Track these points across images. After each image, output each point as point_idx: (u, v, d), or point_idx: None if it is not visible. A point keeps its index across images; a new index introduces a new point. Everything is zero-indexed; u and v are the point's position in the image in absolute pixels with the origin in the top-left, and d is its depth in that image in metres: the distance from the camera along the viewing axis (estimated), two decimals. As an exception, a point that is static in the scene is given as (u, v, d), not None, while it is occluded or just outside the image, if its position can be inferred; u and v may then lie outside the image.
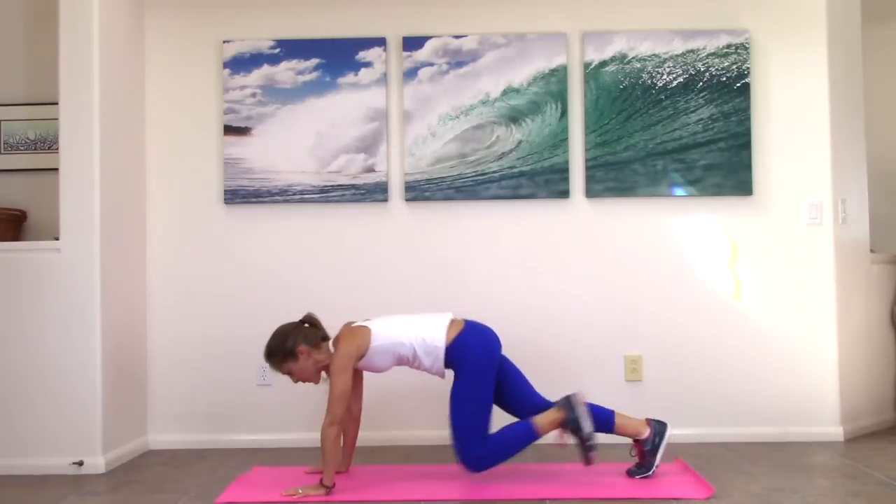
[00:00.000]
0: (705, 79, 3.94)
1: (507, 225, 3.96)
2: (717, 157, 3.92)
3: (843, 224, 3.97)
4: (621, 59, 3.96)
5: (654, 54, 3.95)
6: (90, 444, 3.43)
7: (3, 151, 4.05)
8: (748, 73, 3.93)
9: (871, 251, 4.20)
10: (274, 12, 4.03)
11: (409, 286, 3.94)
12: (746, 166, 3.92)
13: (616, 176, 3.94)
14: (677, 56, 3.95)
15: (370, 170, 3.97)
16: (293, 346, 3.09)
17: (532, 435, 3.08)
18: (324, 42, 3.99)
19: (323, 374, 3.18)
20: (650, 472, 3.12)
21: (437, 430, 3.81)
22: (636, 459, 3.18)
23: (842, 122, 4.00)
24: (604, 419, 3.16)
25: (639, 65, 3.95)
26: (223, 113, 3.99)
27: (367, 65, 3.98)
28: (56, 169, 3.52)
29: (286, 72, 3.99)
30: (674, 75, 3.95)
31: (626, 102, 3.95)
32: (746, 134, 3.92)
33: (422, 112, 3.97)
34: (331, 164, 3.97)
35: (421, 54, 3.97)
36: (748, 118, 3.93)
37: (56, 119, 3.57)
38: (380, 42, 3.98)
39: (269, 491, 3.03)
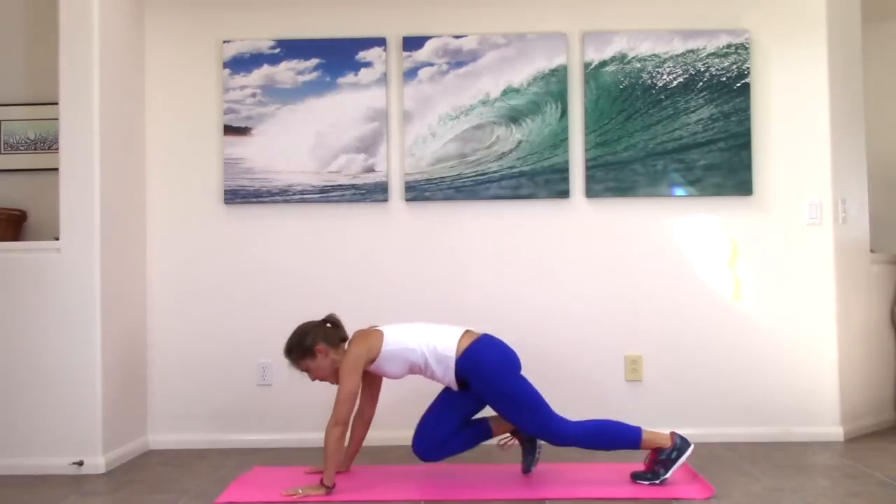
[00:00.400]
0: (705, 79, 3.94)
1: (507, 225, 3.96)
2: (717, 157, 3.92)
3: (843, 224, 3.97)
4: (621, 59, 3.96)
5: (654, 54, 3.95)
6: (90, 444, 3.43)
7: (3, 151, 4.04)
8: (748, 73, 3.93)
9: (871, 251, 4.20)
10: (274, 12, 4.03)
11: (409, 286, 3.94)
12: (746, 166, 3.92)
13: (616, 176, 3.94)
14: (677, 56, 3.95)
15: (370, 170, 3.97)
16: (312, 344, 3.09)
17: (635, 441, 3.06)
18: (324, 42, 3.99)
19: None
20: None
21: (437, 430, 3.81)
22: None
23: (842, 122, 4.00)
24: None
25: (639, 65, 3.95)
26: (223, 113, 3.99)
27: (367, 65, 3.98)
28: (56, 169, 3.52)
29: (286, 72, 3.99)
30: (674, 75, 3.95)
31: (626, 102, 3.95)
32: (746, 134, 3.92)
33: (422, 112, 3.97)
34: (331, 164, 3.97)
35: (421, 54, 3.97)
36: (748, 118, 3.93)
37: (56, 119, 3.56)
38: (380, 42, 3.98)
39: (269, 491, 3.03)
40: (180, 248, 3.98)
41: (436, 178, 3.96)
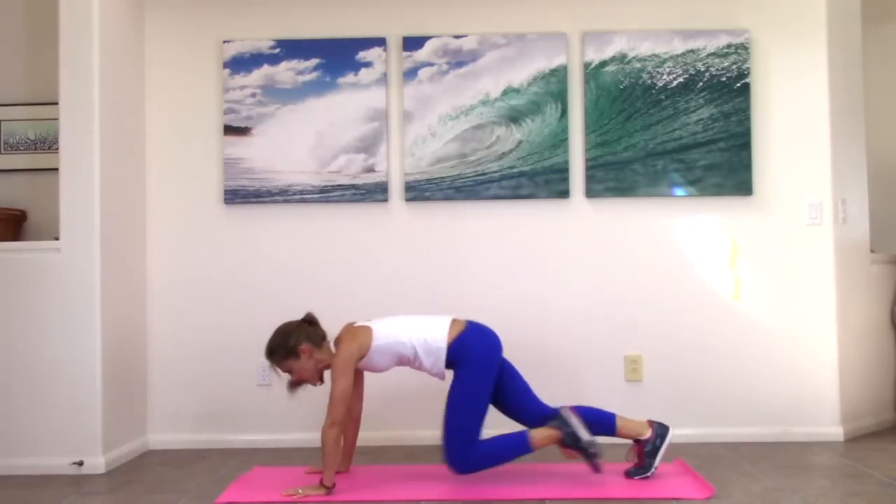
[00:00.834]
0: (705, 79, 3.94)
1: (507, 225, 3.96)
2: (717, 157, 3.92)
3: (843, 224, 3.97)
4: (621, 59, 3.96)
5: (654, 54, 3.95)
6: (90, 444, 3.43)
7: (3, 151, 4.05)
8: (748, 73, 3.93)
9: (871, 251, 4.20)
10: (274, 12, 4.03)
11: (409, 286, 3.94)
12: (746, 166, 3.92)
13: (616, 176, 3.94)
14: (677, 56, 3.95)
15: (370, 170, 3.97)
16: (295, 345, 3.08)
17: (525, 448, 3.07)
18: (324, 42, 3.99)
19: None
20: (649, 474, 3.11)
21: (437, 431, 3.81)
22: (634, 461, 3.18)
23: (842, 122, 4.00)
24: (606, 423, 3.16)
25: (639, 65, 3.95)
26: (223, 113, 3.99)
27: (367, 65, 3.98)
28: (56, 169, 3.52)
29: (286, 72, 3.99)
30: (674, 75, 3.95)
31: (626, 102, 3.95)
32: (746, 134, 3.92)
33: (422, 112, 3.97)
34: (331, 164, 3.97)
35: (421, 54, 3.97)
36: (748, 118, 3.93)
37: (56, 119, 3.57)
38: (380, 42, 3.98)
39: (269, 491, 3.03)
40: (180, 248, 3.98)
41: (436, 178, 3.96)
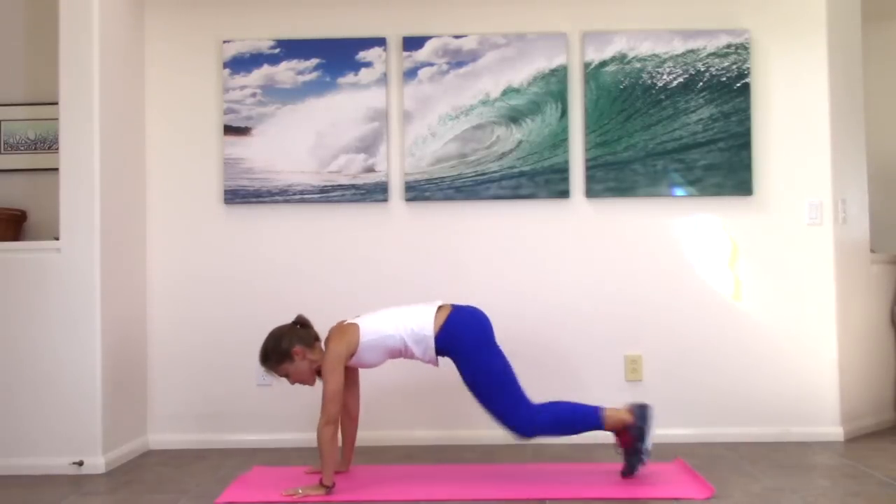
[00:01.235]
0: (705, 79, 3.94)
1: (507, 225, 3.96)
2: (717, 157, 3.92)
3: (843, 224, 3.97)
4: (621, 59, 3.96)
5: (654, 54, 3.95)
6: (90, 444, 3.43)
7: (3, 151, 4.05)
8: (748, 73, 3.93)
9: (871, 251, 4.20)
10: (274, 12, 4.03)
11: (409, 286, 3.93)
12: (746, 166, 3.92)
13: (616, 176, 3.94)
14: (677, 56, 3.95)
15: (370, 170, 3.97)
16: (288, 348, 3.09)
17: (595, 422, 3.05)
18: (324, 42, 3.99)
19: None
20: (644, 458, 3.05)
21: (437, 430, 3.82)
22: (622, 455, 3.12)
23: (842, 122, 4.00)
24: (592, 416, 3.10)
25: (639, 65, 3.95)
26: (223, 113, 3.99)
27: (367, 65, 3.98)
28: (56, 169, 3.52)
29: (286, 72, 3.99)
30: (674, 75, 3.95)
31: (626, 102, 3.95)
32: (746, 134, 3.92)
33: (422, 112, 3.97)
34: (331, 164, 3.97)
35: (421, 54, 3.97)
36: (748, 118, 3.93)
37: (56, 119, 3.56)
38: (380, 42, 3.98)
39: (269, 491, 3.03)
40: (180, 248, 3.98)
41: (436, 178, 3.96)
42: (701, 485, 3.04)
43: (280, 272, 3.97)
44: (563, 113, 3.96)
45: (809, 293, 3.91)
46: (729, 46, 3.94)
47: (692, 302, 3.93)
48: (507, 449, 3.71)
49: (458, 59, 3.97)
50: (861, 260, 4.09)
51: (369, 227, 3.98)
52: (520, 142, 3.95)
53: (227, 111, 3.99)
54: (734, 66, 3.93)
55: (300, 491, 2.97)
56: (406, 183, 3.96)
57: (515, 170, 3.95)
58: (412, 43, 3.98)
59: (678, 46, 3.95)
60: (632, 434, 3.08)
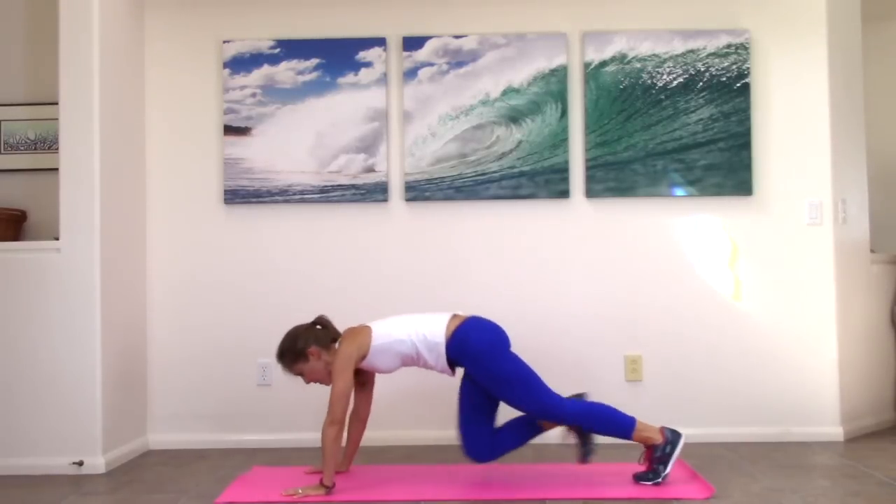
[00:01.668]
0: (705, 79, 3.94)
1: (507, 225, 3.96)
2: (717, 157, 3.92)
3: (843, 224, 3.97)
4: (621, 59, 3.96)
5: (654, 54, 3.95)
6: (90, 444, 3.43)
7: (3, 151, 4.05)
8: (748, 73, 3.93)
9: (871, 251, 4.20)
10: (274, 12, 4.03)
11: (409, 286, 3.94)
12: (746, 166, 3.92)
13: (616, 176, 3.94)
14: (677, 56, 3.95)
15: (370, 170, 3.97)
16: (304, 347, 3.09)
17: (627, 430, 3.05)
18: (324, 42, 3.99)
19: None
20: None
21: (437, 431, 3.81)
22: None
23: (842, 122, 4.00)
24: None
25: (639, 65, 3.95)
26: (223, 113, 3.99)
27: (367, 65, 3.98)
28: (56, 169, 3.52)
29: (286, 72, 3.99)
30: (674, 75, 3.95)
31: (626, 102, 3.95)
32: (746, 134, 3.92)
33: (422, 112, 3.97)
34: (331, 164, 3.97)
35: (421, 54, 3.97)
36: (748, 118, 3.93)
37: (56, 119, 3.56)
38: (380, 42, 3.98)
39: (269, 491, 3.03)
40: (180, 248, 3.98)
41: (436, 178, 3.96)
42: (701, 485, 3.04)
43: (280, 272, 3.97)
44: (563, 113, 3.96)
45: (809, 293, 3.91)
46: (729, 46, 3.94)
47: (692, 302, 3.93)
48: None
49: (458, 59, 3.97)
50: (861, 260, 4.09)
51: (369, 227, 3.98)
52: (520, 142, 3.95)
53: (227, 111, 3.99)
54: (734, 66, 3.93)
55: (300, 491, 2.97)
56: (406, 183, 3.96)
57: (515, 170, 3.95)
58: (412, 43, 3.98)
59: (678, 46, 3.95)
60: (656, 454, 3.07)
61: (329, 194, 3.96)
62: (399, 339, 3.09)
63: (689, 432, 3.81)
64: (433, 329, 3.09)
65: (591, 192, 3.95)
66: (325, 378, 3.14)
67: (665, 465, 3.05)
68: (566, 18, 4.00)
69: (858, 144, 4.12)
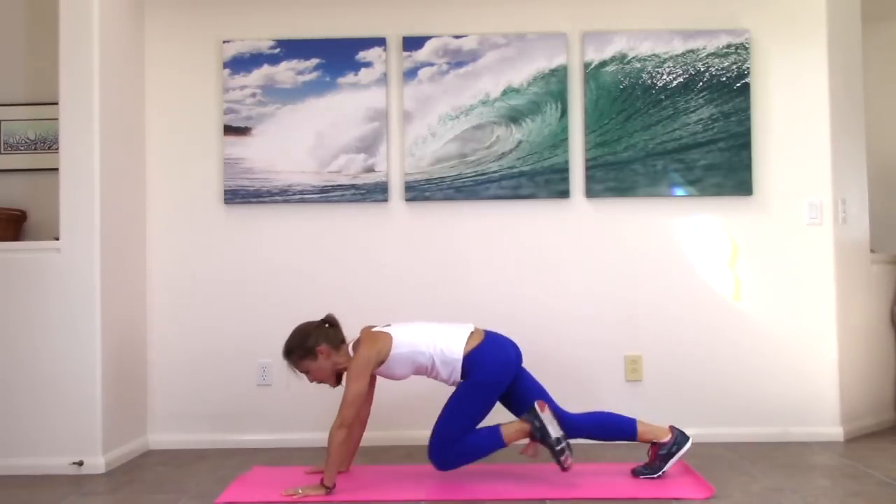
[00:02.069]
0: (705, 79, 3.94)
1: (507, 225, 3.96)
2: (717, 157, 3.92)
3: (843, 224, 3.97)
4: (621, 59, 3.96)
5: (654, 54, 3.95)
6: (90, 444, 3.43)
7: (3, 151, 4.05)
8: (748, 73, 3.93)
9: (871, 251, 4.20)
10: (274, 12, 4.03)
11: (409, 286, 3.94)
12: (746, 166, 3.92)
13: (616, 176, 3.94)
14: (677, 56, 3.95)
15: (370, 170, 3.97)
16: (314, 345, 3.09)
17: (498, 442, 3.08)
18: (324, 42, 3.99)
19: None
20: (655, 475, 3.11)
21: (437, 430, 3.81)
22: (647, 460, 3.17)
23: (842, 122, 4.00)
24: (627, 428, 3.16)
25: (639, 65, 3.95)
26: (223, 113, 3.99)
27: (367, 65, 3.98)
28: (56, 169, 3.52)
29: (286, 72, 3.99)
30: (674, 75, 3.95)
31: (626, 102, 3.95)
32: (746, 134, 3.92)
33: (422, 112, 3.97)
34: (331, 164, 3.97)
35: (421, 54, 3.97)
36: (748, 118, 3.93)
37: (56, 119, 3.56)
38: (380, 42, 3.98)
39: (269, 491, 3.03)
40: (180, 249, 3.98)
41: (436, 178, 3.96)
42: (701, 485, 3.04)
43: (280, 272, 3.97)
44: (563, 113, 3.96)
45: (809, 293, 3.91)
46: (729, 46, 3.94)
47: (693, 302, 3.92)
48: (506, 449, 3.70)
49: (458, 59, 3.97)
50: (861, 260, 4.09)
51: (369, 227, 3.98)
52: (520, 142, 3.95)
53: (227, 111, 3.99)
54: (734, 66, 3.93)
55: (300, 491, 2.97)
56: (406, 183, 3.96)
57: (515, 170, 3.95)
58: (412, 43, 3.98)
59: (678, 46, 3.95)
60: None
61: (329, 194, 3.96)
62: (420, 350, 3.09)
63: (690, 432, 3.80)
64: (451, 346, 3.10)
65: (591, 192, 3.95)
66: (330, 378, 3.14)
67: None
68: (566, 18, 4.00)
69: (858, 144, 4.12)
